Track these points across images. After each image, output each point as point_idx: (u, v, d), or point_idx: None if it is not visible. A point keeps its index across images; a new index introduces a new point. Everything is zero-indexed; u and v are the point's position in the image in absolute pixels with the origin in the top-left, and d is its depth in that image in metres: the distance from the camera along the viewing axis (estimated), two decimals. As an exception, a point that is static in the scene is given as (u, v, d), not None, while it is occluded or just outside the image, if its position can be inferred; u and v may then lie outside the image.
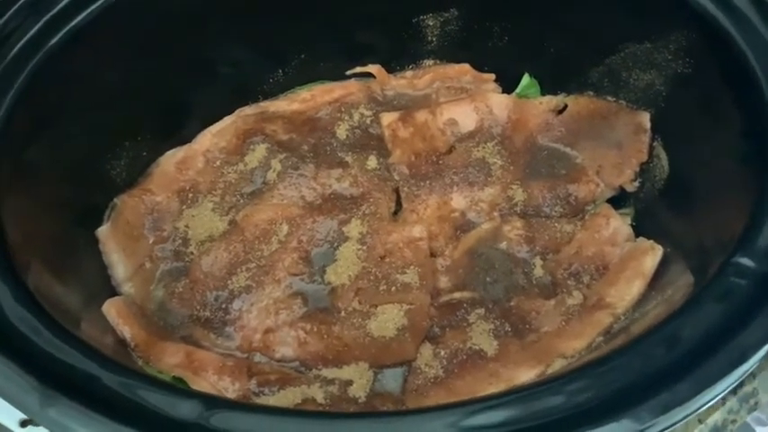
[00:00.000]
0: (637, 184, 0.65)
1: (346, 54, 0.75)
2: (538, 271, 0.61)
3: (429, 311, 0.59)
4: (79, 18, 0.58)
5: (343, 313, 0.59)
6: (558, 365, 0.52)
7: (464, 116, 0.70)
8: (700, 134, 0.59)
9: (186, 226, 0.65)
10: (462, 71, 0.75)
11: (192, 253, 0.63)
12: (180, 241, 0.64)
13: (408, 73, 0.76)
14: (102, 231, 0.62)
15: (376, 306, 0.59)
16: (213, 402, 0.38)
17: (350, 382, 0.55)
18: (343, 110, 0.72)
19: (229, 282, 0.60)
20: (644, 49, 0.64)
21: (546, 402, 0.37)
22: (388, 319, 0.58)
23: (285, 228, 0.63)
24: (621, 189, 0.66)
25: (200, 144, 0.70)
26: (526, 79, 0.74)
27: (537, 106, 0.70)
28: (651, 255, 0.58)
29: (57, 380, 0.39)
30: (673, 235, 0.59)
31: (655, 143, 0.65)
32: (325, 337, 0.57)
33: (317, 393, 0.53)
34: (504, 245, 0.63)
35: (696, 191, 0.59)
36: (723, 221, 0.49)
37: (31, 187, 0.55)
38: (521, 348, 0.55)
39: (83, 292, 0.55)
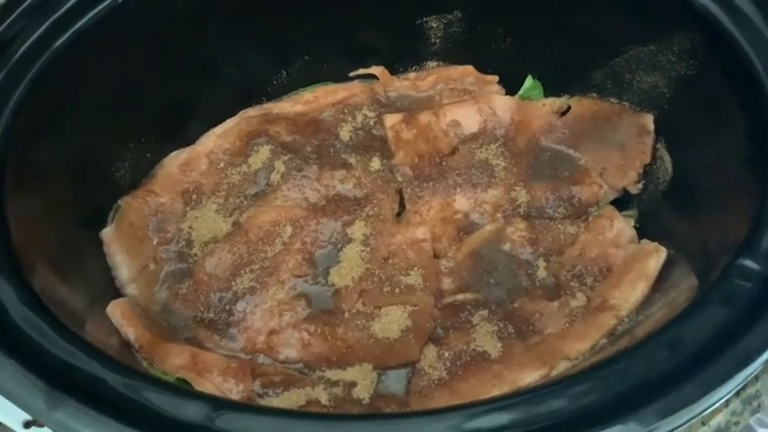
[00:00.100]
0: (640, 185, 0.65)
1: (349, 56, 0.75)
2: (541, 272, 0.61)
3: (432, 313, 0.59)
4: (84, 20, 0.58)
5: (346, 315, 0.59)
6: (561, 367, 0.52)
7: (467, 118, 0.70)
8: (703, 136, 0.59)
9: (190, 227, 0.65)
10: (465, 73, 0.75)
11: (195, 254, 0.63)
12: (184, 243, 0.64)
13: (411, 74, 0.76)
14: (107, 233, 0.62)
15: (380, 307, 0.59)
16: (219, 404, 0.38)
17: (354, 384, 0.55)
18: (346, 111, 0.72)
19: (233, 283, 0.61)
20: (647, 50, 0.64)
21: (550, 405, 0.37)
22: (391, 321, 0.58)
23: (289, 229, 0.63)
24: (625, 191, 0.66)
25: (204, 146, 0.70)
26: (529, 81, 0.74)
27: (540, 108, 0.70)
28: (655, 257, 0.58)
29: (63, 381, 0.39)
30: (676, 237, 0.59)
31: (658, 145, 0.65)
32: (329, 338, 0.57)
33: (321, 395, 0.53)
34: (507, 246, 0.63)
35: (700, 193, 0.59)
36: (727, 223, 0.49)
37: (35, 189, 0.55)
38: (524, 350, 0.55)
39: (87, 293, 0.55)
